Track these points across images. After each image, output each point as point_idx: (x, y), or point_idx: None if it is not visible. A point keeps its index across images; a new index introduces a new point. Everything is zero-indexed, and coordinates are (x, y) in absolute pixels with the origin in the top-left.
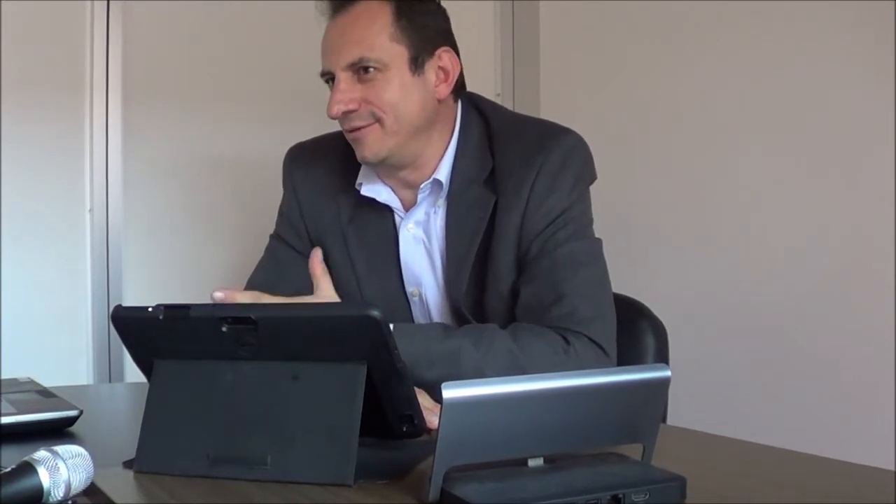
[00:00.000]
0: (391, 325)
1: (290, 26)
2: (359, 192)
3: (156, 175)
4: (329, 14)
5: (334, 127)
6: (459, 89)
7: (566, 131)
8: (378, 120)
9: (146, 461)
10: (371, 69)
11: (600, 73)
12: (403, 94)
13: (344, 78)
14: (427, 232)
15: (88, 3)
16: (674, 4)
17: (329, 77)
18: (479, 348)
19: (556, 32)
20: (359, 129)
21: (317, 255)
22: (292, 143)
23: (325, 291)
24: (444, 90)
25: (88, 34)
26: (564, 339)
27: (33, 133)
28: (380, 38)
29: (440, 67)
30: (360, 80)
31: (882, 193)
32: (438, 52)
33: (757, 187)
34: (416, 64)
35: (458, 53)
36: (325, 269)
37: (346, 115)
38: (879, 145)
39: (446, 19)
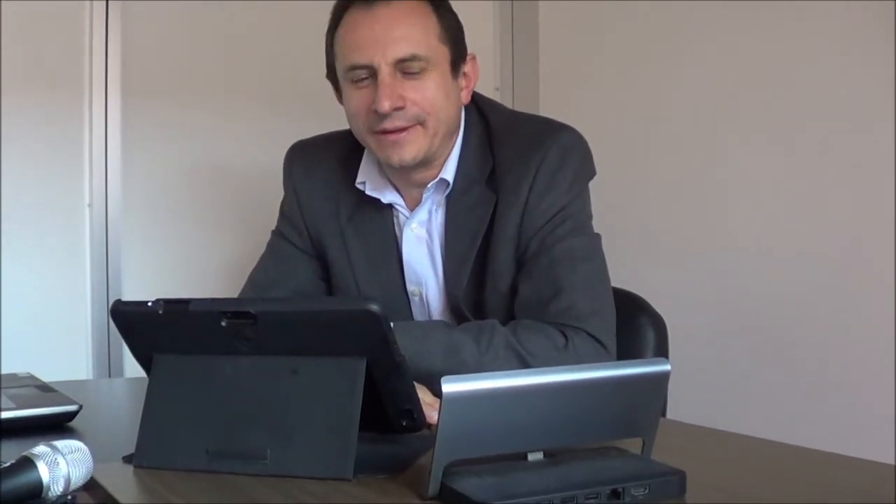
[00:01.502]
0: (391, 322)
1: (289, 26)
2: (360, 190)
3: (154, 170)
4: (361, 5)
5: (335, 126)
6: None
7: (564, 128)
8: (421, 122)
9: (146, 456)
10: (419, 68)
11: (599, 72)
12: (445, 95)
13: (389, 72)
14: (430, 231)
15: (87, 2)
16: (672, 4)
17: (365, 72)
18: (479, 344)
19: (555, 32)
20: (401, 129)
21: None
22: (292, 141)
23: None
24: (466, 96)
25: (87, 33)
26: (563, 334)
27: (33, 129)
28: (429, 36)
29: (464, 73)
30: (405, 77)
31: (882, 189)
32: (467, 58)
33: (756, 183)
34: (455, 67)
35: None
36: None
37: (395, 110)
38: (880, 143)
39: None
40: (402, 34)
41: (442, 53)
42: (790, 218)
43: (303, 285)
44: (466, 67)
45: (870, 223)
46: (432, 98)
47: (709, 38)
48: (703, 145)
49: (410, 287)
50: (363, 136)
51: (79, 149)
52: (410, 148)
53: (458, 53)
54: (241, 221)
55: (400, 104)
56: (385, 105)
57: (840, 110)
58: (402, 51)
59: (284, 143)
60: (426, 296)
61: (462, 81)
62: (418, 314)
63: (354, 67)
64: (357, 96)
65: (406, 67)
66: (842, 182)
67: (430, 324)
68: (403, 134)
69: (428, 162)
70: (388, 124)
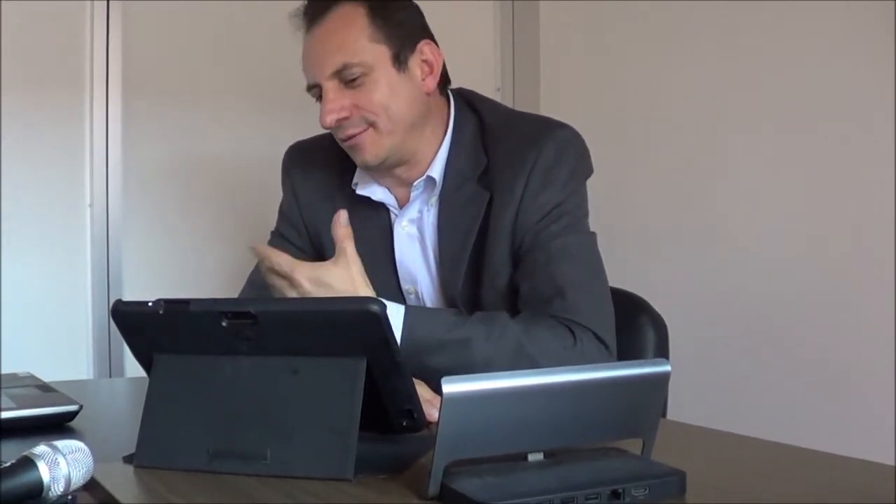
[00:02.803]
0: (405, 306)
1: (289, 26)
2: (355, 190)
3: (155, 171)
4: (305, 28)
5: None
6: (445, 83)
7: (560, 125)
8: (371, 124)
9: (146, 456)
10: (357, 73)
11: (600, 72)
12: (392, 92)
13: (331, 87)
14: (421, 229)
15: (88, 2)
16: (672, 4)
17: (315, 90)
18: (490, 337)
19: (555, 32)
20: (353, 136)
21: (340, 218)
22: (291, 142)
23: (350, 252)
24: (431, 83)
25: (88, 33)
26: (572, 333)
27: (34, 129)
28: (360, 41)
29: (423, 61)
30: (348, 87)
31: (882, 189)
32: (419, 45)
33: (756, 183)
34: (399, 61)
35: (436, 45)
36: (350, 231)
37: (340, 122)
38: (879, 142)
39: (421, 15)
40: (333, 46)
41: (379, 53)
42: (790, 218)
43: None
44: (424, 55)
45: (870, 223)
46: (378, 100)
47: (709, 37)
48: (703, 145)
49: (405, 286)
50: (338, 142)
51: (79, 149)
52: (369, 149)
53: (402, 46)
54: (241, 222)
55: (343, 115)
56: (326, 121)
57: (840, 110)
58: (334, 63)
59: (284, 143)
60: (421, 294)
61: (420, 70)
62: None
63: (309, 88)
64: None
65: (344, 77)
66: (842, 182)
67: (443, 313)
68: (356, 139)
69: (405, 160)
70: (341, 133)
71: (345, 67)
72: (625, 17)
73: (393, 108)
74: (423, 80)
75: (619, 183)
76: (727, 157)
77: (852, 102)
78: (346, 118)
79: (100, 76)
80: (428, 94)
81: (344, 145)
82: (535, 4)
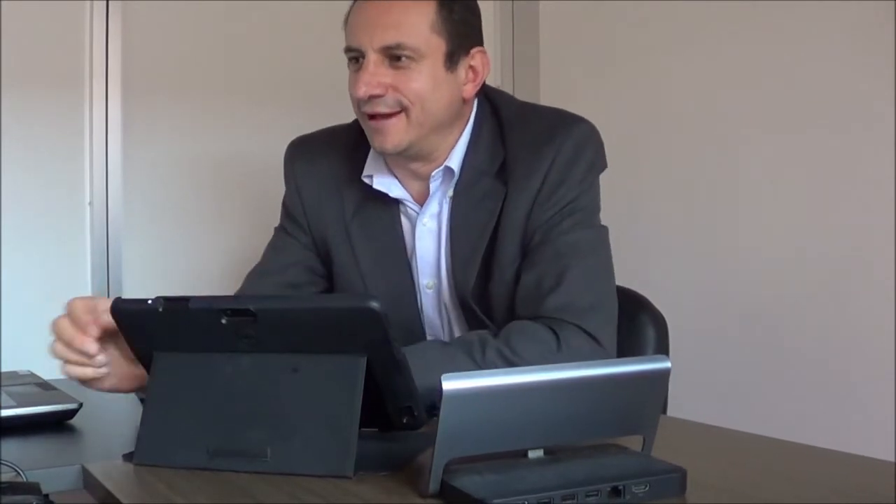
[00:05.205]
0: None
1: (290, 24)
2: (365, 184)
3: (155, 169)
4: None
5: (335, 122)
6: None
7: (577, 119)
8: (404, 109)
9: (146, 454)
10: (405, 57)
11: (600, 71)
12: (433, 87)
13: (374, 59)
14: (439, 223)
15: (87, 2)
16: (673, 4)
17: (356, 54)
18: (473, 359)
19: (555, 31)
20: (381, 116)
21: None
22: (292, 138)
23: None
24: (471, 90)
25: (87, 33)
26: (555, 334)
27: (34, 128)
28: (420, 26)
29: (471, 66)
30: (391, 65)
31: (882, 189)
32: (473, 51)
33: (758, 182)
34: (451, 60)
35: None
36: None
37: (371, 98)
38: (880, 142)
39: (480, 19)
40: (393, 21)
41: (435, 45)
42: (791, 217)
43: (304, 283)
44: (473, 61)
45: (870, 223)
46: (417, 89)
47: (709, 37)
48: (703, 143)
49: (424, 280)
50: (358, 117)
51: (79, 148)
52: (392, 137)
53: (459, 46)
54: (241, 219)
55: (378, 92)
56: (360, 91)
57: (841, 110)
58: (389, 38)
59: (284, 140)
60: (438, 288)
61: (466, 75)
62: (431, 307)
63: (348, 49)
64: (351, 78)
65: (392, 55)
66: (843, 182)
67: (424, 344)
68: (386, 121)
69: (425, 154)
70: (369, 109)
71: (398, 47)
72: (625, 17)
73: (429, 102)
74: (465, 84)
75: (618, 181)
76: (727, 156)
77: (853, 102)
78: (379, 96)
79: (99, 74)
80: (464, 100)
81: (368, 123)
82: (535, 4)
